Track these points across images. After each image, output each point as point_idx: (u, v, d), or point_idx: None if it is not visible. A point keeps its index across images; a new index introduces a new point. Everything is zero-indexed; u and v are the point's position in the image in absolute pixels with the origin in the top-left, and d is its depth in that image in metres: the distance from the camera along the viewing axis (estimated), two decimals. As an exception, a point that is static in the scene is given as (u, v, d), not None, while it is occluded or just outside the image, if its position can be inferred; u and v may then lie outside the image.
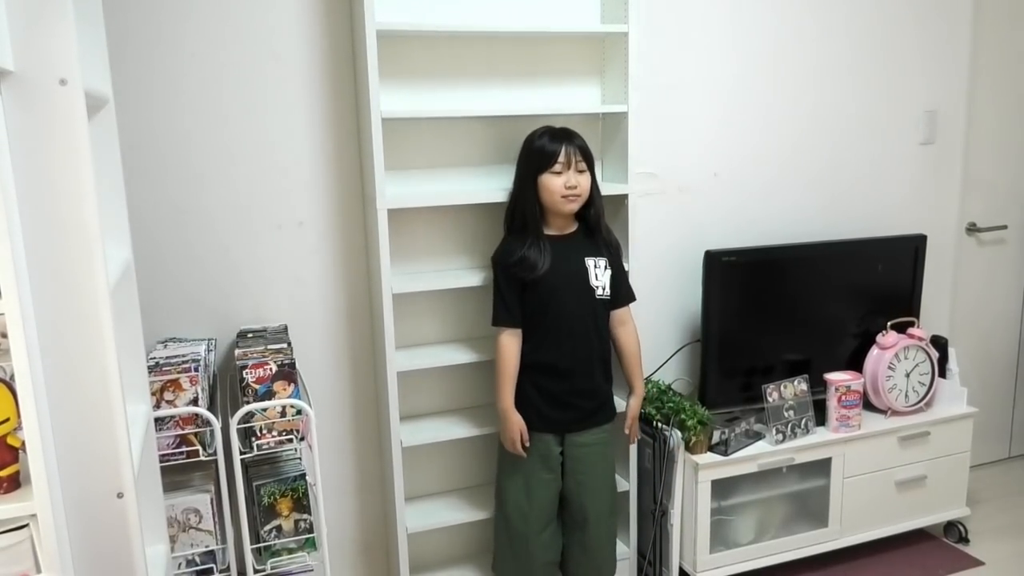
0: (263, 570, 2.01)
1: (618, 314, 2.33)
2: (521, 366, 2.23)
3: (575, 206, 2.21)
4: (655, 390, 2.63)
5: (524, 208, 2.22)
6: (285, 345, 2.11)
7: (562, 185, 2.16)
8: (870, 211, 3.05)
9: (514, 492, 2.29)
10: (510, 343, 2.21)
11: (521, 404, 2.23)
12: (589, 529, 2.30)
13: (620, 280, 2.32)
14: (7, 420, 1.12)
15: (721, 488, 2.54)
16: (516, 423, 2.21)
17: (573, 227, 2.28)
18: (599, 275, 2.25)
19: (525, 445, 2.22)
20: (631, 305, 2.37)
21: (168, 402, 1.90)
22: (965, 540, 2.88)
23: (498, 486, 2.36)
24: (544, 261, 2.18)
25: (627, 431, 2.39)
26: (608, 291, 2.26)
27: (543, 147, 2.18)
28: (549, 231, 2.24)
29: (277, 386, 1.98)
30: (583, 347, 2.24)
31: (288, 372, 1.99)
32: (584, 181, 2.19)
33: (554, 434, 2.26)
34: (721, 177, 2.81)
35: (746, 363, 2.72)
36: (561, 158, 2.15)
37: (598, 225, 2.28)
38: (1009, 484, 3.34)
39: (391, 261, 2.24)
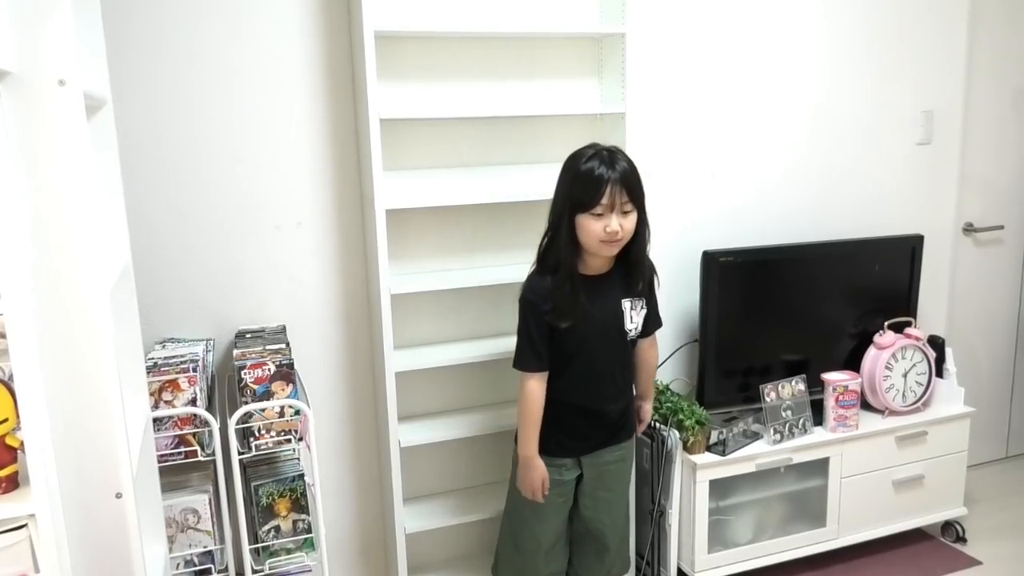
0: (261, 570, 2.01)
1: (645, 340, 2.20)
2: (549, 401, 2.07)
3: (615, 251, 1.98)
4: (653, 390, 2.63)
5: (559, 245, 1.97)
6: (283, 345, 2.11)
7: (602, 230, 1.91)
8: (867, 211, 3.06)
9: (526, 513, 2.17)
10: (536, 389, 2.04)
11: (541, 434, 2.08)
12: (606, 540, 2.22)
13: (652, 314, 2.15)
14: (6, 420, 1.12)
15: (719, 488, 2.54)
16: (540, 473, 2.07)
17: (610, 266, 2.05)
18: (634, 317, 2.08)
19: (545, 494, 2.09)
20: None
21: (166, 402, 1.90)
22: (962, 540, 2.89)
23: (510, 501, 2.24)
24: (577, 309, 1.97)
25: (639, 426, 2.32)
26: (639, 328, 2.11)
27: (586, 183, 1.91)
28: (584, 270, 2.02)
29: (275, 386, 1.98)
30: (610, 387, 2.11)
31: (286, 372, 1.99)
32: (628, 224, 1.93)
33: (572, 457, 2.14)
34: (718, 177, 2.82)
35: (744, 363, 2.72)
36: (604, 200, 1.89)
37: (639, 262, 2.05)
38: (1006, 483, 3.35)
39: (389, 261, 2.24)
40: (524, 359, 2.04)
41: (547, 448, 2.08)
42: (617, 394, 2.14)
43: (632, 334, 2.09)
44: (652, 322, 2.16)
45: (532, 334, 2.02)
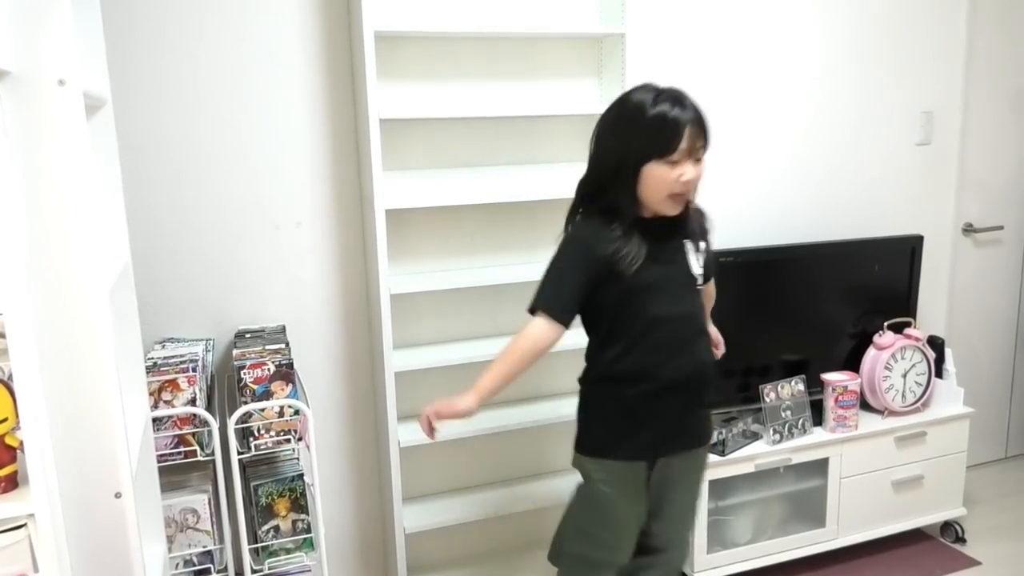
0: (261, 570, 2.01)
1: (708, 285, 1.92)
2: (600, 378, 1.81)
3: (682, 205, 1.72)
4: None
5: (617, 193, 1.70)
6: (283, 345, 2.11)
7: (675, 179, 1.65)
8: (867, 212, 3.06)
9: (600, 524, 1.86)
10: (545, 334, 1.72)
11: (604, 425, 1.81)
12: (672, 551, 1.97)
13: (711, 256, 1.87)
14: (5, 420, 1.12)
15: (718, 488, 2.54)
16: (459, 415, 1.78)
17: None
18: (699, 260, 1.81)
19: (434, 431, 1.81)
20: None
21: (166, 402, 1.90)
22: (962, 540, 2.89)
23: (579, 508, 1.89)
24: (640, 253, 1.69)
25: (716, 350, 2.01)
26: (703, 275, 1.83)
27: (659, 128, 1.64)
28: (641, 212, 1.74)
29: (275, 386, 1.98)
30: (686, 355, 1.78)
31: (286, 372, 1.99)
32: (700, 171, 1.70)
33: (646, 461, 1.82)
34: (718, 177, 2.81)
35: (743, 363, 2.72)
36: (683, 144, 1.63)
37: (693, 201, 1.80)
38: (1005, 484, 3.35)
39: (389, 261, 2.24)
40: (545, 298, 1.73)
41: (614, 447, 1.78)
42: (696, 365, 1.80)
43: (700, 283, 1.81)
44: (712, 264, 1.88)
45: (565, 273, 1.73)
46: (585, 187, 1.80)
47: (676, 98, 1.66)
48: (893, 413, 2.79)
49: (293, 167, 2.33)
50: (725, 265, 2.59)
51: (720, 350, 2.06)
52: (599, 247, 1.70)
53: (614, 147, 1.72)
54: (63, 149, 1.15)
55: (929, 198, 3.18)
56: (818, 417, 2.68)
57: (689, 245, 1.81)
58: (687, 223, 1.80)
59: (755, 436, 2.61)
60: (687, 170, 1.65)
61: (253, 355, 2.02)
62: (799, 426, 2.63)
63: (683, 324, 1.78)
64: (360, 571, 2.62)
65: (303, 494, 2.07)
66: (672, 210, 1.71)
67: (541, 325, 1.73)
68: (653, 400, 1.76)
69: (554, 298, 1.73)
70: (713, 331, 2.03)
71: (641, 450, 1.80)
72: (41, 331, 1.14)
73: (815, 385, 2.69)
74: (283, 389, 1.99)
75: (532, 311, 1.75)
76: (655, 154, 1.64)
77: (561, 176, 2.56)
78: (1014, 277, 3.45)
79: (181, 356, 2.02)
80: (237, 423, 1.92)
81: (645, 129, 1.66)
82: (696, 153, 1.67)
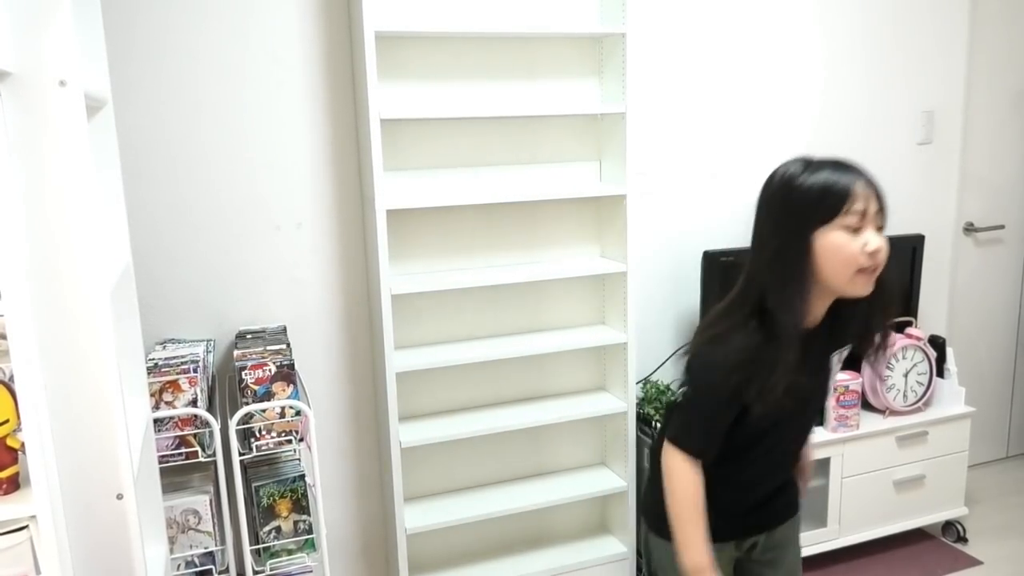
0: (262, 571, 2.01)
1: None
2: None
3: (871, 285, 1.39)
4: (654, 390, 2.63)
5: (784, 288, 1.37)
6: (284, 346, 2.11)
7: (860, 249, 1.33)
8: (868, 211, 3.05)
9: None
10: (692, 471, 1.48)
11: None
12: None
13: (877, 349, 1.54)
14: (7, 421, 1.12)
15: (720, 488, 2.54)
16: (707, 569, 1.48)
17: (824, 311, 1.46)
18: (835, 379, 1.60)
19: None
20: None
21: (167, 403, 1.90)
22: (963, 539, 2.89)
23: None
24: (796, 390, 1.39)
25: (802, 484, 1.75)
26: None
27: (823, 191, 1.34)
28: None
29: (276, 387, 1.98)
30: (789, 466, 1.64)
31: (287, 373, 1.99)
32: (885, 245, 1.37)
33: (736, 540, 1.64)
34: (719, 178, 2.81)
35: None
36: (859, 204, 1.33)
37: (878, 295, 1.43)
38: (1007, 483, 3.35)
39: (390, 262, 2.24)
40: (687, 436, 1.49)
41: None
42: (786, 476, 1.65)
43: (828, 402, 1.58)
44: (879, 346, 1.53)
45: (710, 415, 1.48)
46: (738, 296, 1.48)
47: (833, 163, 1.39)
48: (894, 413, 2.79)
49: (293, 167, 2.33)
50: (725, 265, 2.60)
51: (808, 481, 1.77)
52: (741, 384, 1.40)
53: (767, 230, 1.43)
54: (64, 150, 1.15)
55: (930, 197, 3.18)
56: (819, 417, 2.68)
57: (834, 360, 1.55)
58: (846, 324, 1.48)
59: (756, 436, 2.60)
60: (872, 237, 1.34)
61: (254, 356, 2.02)
62: (800, 426, 2.62)
63: (797, 443, 1.61)
64: (362, 571, 2.62)
65: (304, 495, 2.07)
66: (864, 289, 1.38)
67: (687, 465, 1.48)
68: (752, 502, 1.62)
69: (703, 439, 1.49)
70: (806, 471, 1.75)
71: (730, 532, 1.60)
72: (42, 332, 1.13)
73: (816, 385, 2.68)
74: (284, 390, 1.98)
75: (675, 442, 1.50)
76: (823, 220, 1.34)
77: (561, 176, 2.56)
78: (1015, 276, 3.45)
79: (182, 357, 2.02)
80: (238, 424, 1.92)
81: (802, 197, 1.36)
82: (876, 219, 1.36)
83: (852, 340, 1.50)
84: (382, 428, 2.42)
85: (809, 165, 1.38)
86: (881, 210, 1.37)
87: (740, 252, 2.64)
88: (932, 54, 3.08)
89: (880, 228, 1.37)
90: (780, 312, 1.37)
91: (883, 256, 1.37)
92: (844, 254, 1.34)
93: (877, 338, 1.48)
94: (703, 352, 1.50)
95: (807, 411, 1.56)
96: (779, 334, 1.37)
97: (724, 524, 1.55)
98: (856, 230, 1.34)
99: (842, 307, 1.45)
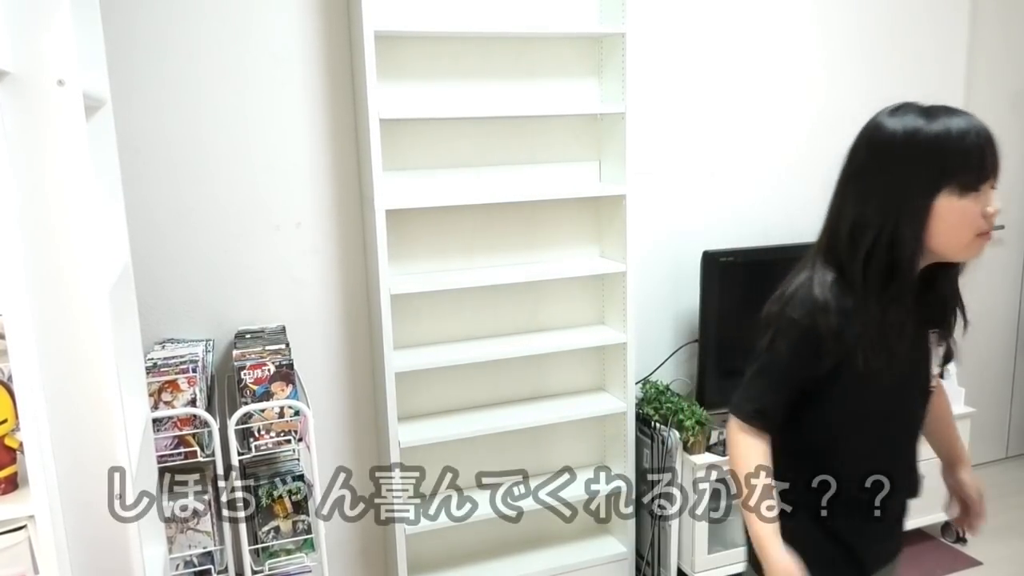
0: (261, 571, 2.01)
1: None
2: (809, 489, 1.37)
3: (983, 248, 1.29)
4: (653, 390, 2.63)
5: (896, 245, 1.23)
6: (283, 346, 2.11)
7: (980, 214, 1.25)
8: (867, 211, 3.05)
9: None
10: (753, 444, 1.33)
11: (803, 544, 1.33)
12: None
13: (948, 348, 1.43)
14: (5, 421, 1.11)
15: (719, 488, 2.54)
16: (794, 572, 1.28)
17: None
18: (937, 355, 1.42)
19: None
20: None
21: (166, 403, 1.90)
22: (962, 540, 2.89)
23: None
24: (903, 341, 1.26)
25: (975, 521, 1.57)
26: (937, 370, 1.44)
27: (956, 148, 1.23)
28: None
29: (275, 387, 1.98)
30: (903, 463, 1.41)
31: (286, 373, 1.99)
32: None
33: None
34: (718, 177, 2.81)
35: (744, 363, 2.71)
36: (988, 160, 1.26)
37: (954, 269, 1.34)
38: (1006, 484, 3.35)
39: (389, 262, 2.24)
40: (749, 402, 1.36)
41: (817, 564, 1.32)
42: (909, 472, 1.43)
43: (935, 382, 1.44)
44: (947, 356, 1.44)
45: (784, 372, 1.33)
46: (843, 244, 1.31)
47: (956, 111, 1.27)
48: (894, 413, 2.78)
49: (293, 167, 2.33)
50: (725, 265, 2.60)
51: (978, 521, 1.58)
52: (838, 326, 1.26)
53: (879, 184, 1.27)
54: (63, 149, 1.15)
55: (930, 198, 3.18)
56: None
57: (933, 337, 1.40)
58: (937, 298, 1.35)
59: (756, 436, 2.59)
60: (992, 200, 1.26)
61: (253, 356, 2.02)
62: (800, 426, 2.62)
63: (908, 430, 1.44)
64: (361, 572, 2.61)
65: (304, 495, 2.07)
66: (978, 254, 1.29)
67: (755, 440, 1.35)
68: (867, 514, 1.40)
69: (772, 404, 1.37)
70: (969, 487, 1.57)
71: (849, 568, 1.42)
72: (41, 332, 1.13)
73: (816, 385, 2.67)
74: (283, 390, 1.98)
75: (744, 418, 1.38)
76: (956, 178, 1.23)
77: (560, 176, 2.56)
78: (1015, 277, 3.45)
79: (181, 357, 2.02)
80: (237, 424, 1.92)
81: (933, 151, 1.23)
82: (994, 177, 1.27)
83: (936, 315, 1.35)
84: (381, 428, 2.41)
85: (935, 112, 1.25)
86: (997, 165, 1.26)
87: (740, 252, 2.65)
88: (931, 55, 3.07)
89: (994, 187, 1.27)
90: (901, 266, 1.23)
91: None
92: (968, 220, 1.23)
93: (956, 317, 1.35)
94: (800, 303, 1.30)
95: (909, 386, 1.37)
96: (894, 293, 1.23)
97: (844, 555, 1.34)
98: (980, 193, 1.23)
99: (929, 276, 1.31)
